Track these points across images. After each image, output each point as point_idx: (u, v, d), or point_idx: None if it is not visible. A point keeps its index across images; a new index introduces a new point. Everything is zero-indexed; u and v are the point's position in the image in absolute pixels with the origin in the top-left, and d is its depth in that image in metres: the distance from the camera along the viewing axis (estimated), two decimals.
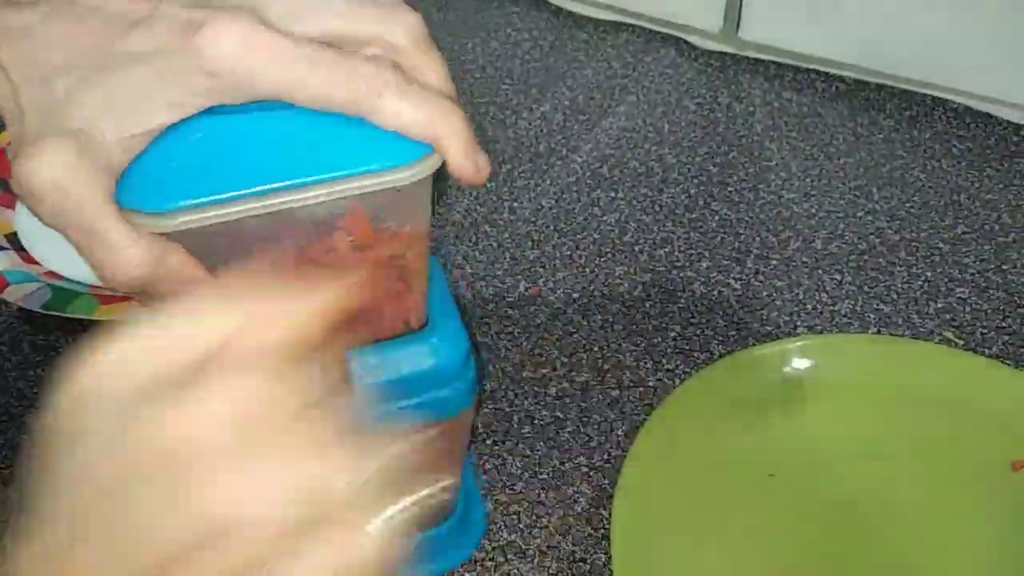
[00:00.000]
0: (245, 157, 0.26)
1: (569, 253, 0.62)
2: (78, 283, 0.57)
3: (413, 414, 0.35)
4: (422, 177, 0.28)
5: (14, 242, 0.60)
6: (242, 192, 0.26)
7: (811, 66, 0.78)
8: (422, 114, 0.27)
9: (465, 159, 0.28)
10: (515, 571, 0.44)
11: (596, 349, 0.55)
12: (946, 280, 0.59)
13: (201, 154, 0.26)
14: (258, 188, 0.26)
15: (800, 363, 0.52)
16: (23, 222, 0.62)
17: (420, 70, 0.29)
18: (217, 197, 0.26)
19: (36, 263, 0.59)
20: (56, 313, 0.54)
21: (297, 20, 0.27)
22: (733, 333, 0.56)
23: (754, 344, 0.54)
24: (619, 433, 0.50)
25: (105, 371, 0.22)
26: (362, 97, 0.27)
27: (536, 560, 0.45)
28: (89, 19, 0.26)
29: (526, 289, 0.59)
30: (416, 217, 0.30)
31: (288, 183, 0.26)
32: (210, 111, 0.26)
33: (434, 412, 0.36)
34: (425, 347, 0.34)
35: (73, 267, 0.58)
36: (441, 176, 0.29)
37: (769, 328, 0.56)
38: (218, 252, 0.28)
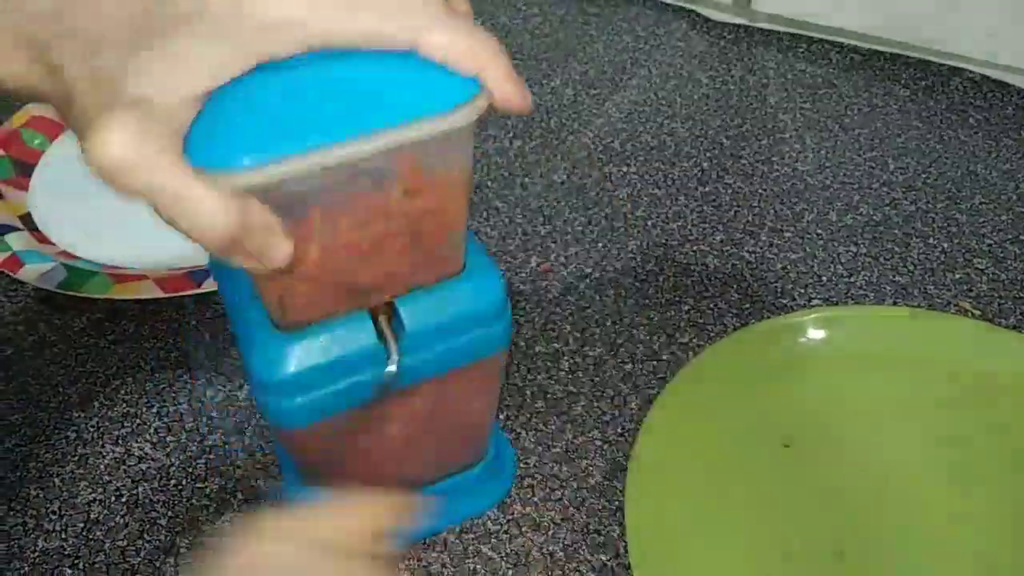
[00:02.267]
0: (304, 111, 0.27)
1: (581, 228, 0.61)
2: (92, 263, 0.57)
3: (456, 355, 0.36)
4: (475, 117, 0.28)
5: (28, 223, 0.61)
6: (308, 146, 0.26)
7: (825, 36, 0.77)
8: (468, 45, 0.28)
9: (512, 87, 0.29)
10: (529, 543, 0.44)
11: (609, 323, 0.55)
12: (963, 251, 0.59)
13: (260, 110, 0.26)
14: (323, 141, 0.26)
15: (815, 334, 0.52)
16: (37, 203, 0.63)
17: (452, 3, 0.29)
18: (283, 153, 0.26)
19: (50, 243, 0.59)
20: (71, 292, 0.54)
21: None
22: (747, 306, 0.55)
23: (768, 317, 0.54)
24: (632, 407, 0.50)
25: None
26: (411, 31, 0.27)
27: (551, 532, 0.45)
28: None
29: (538, 265, 0.59)
30: (463, 160, 0.31)
31: (351, 134, 0.27)
32: (262, 66, 0.27)
33: (476, 352, 0.37)
34: (466, 290, 0.35)
35: (87, 247, 0.59)
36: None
37: (784, 301, 0.56)
38: (279, 208, 0.28)
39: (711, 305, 0.56)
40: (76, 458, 0.49)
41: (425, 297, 0.35)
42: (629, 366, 0.52)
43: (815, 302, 0.55)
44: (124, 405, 0.51)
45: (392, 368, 0.34)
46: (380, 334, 0.34)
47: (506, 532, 0.45)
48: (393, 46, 0.28)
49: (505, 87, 0.29)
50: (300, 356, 0.33)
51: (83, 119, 0.26)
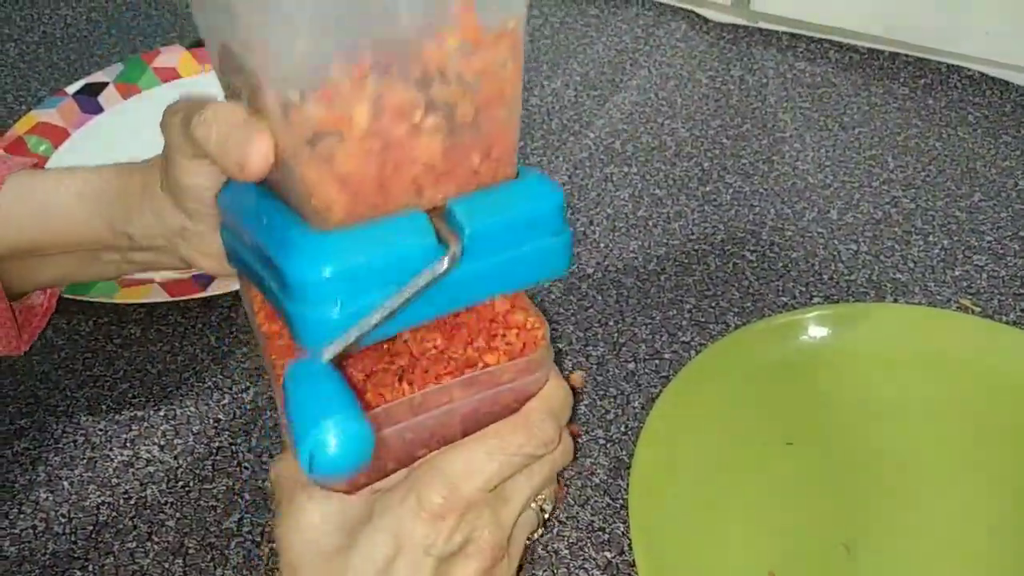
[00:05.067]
0: None
1: (583, 229, 0.62)
2: None
3: (517, 269, 0.33)
4: None
5: None
6: None
7: (824, 36, 0.77)
8: None
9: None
10: (535, 541, 0.45)
11: (611, 323, 0.55)
12: (963, 248, 0.59)
13: None
14: None
15: (816, 332, 0.52)
16: None
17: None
18: None
19: None
20: (77, 297, 0.55)
21: None
22: (749, 305, 0.56)
23: (770, 315, 0.54)
24: (635, 405, 0.50)
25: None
26: None
27: (556, 530, 0.45)
28: None
29: None
30: (517, 15, 0.29)
31: None
32: None
33: (537, 269, 0.34)
34: (524, 191, 0.33)
35: None
36: None
37: (785, 299, 0.56)
38: (325, 49, 0.26)
39: (712, 304, 0.56)
40: (85, 461, 0.49)
41: (482, 197, 0.32)
42: (631, 365, 0.53)
43: (816, 300, 0.56)
44: (131, 408, 0.52)
45: (454, 254, 0.30)
46: (436, 232, 0.30)
47: None
48: None
49: None
50: (346, 249, 0.29)
51: None
